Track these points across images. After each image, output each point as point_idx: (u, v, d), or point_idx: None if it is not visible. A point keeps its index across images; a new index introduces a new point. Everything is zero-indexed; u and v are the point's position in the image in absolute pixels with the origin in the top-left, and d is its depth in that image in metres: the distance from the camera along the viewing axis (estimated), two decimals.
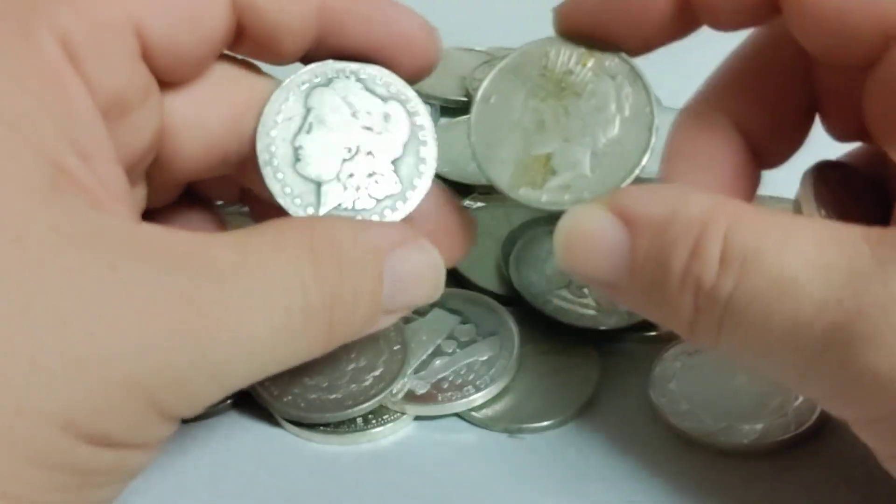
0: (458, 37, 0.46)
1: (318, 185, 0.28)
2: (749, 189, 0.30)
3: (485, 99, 0.29)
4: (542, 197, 0.28)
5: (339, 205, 0.28)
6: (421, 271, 0.28)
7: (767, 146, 0.30)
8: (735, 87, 0.30)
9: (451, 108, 0.45)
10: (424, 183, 0.29)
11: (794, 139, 0.30)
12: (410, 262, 0.27)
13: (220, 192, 0.33)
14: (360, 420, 0.31)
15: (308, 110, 0.29)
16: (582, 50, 0.29)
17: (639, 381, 0.32)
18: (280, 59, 0.29)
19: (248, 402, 0.32)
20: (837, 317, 0.22)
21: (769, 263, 0.23)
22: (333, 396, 0.31)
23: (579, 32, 0.29)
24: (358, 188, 0.28)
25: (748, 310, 0.23)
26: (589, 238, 0.26)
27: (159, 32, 0.26)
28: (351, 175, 0.28)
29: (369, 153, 0.29)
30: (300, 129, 0.28)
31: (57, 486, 0.22)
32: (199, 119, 0.28)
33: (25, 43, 0.24)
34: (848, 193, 0.29)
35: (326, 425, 0.31)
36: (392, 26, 0.29)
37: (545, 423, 0.31)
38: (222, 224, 0.33)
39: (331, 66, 0.29)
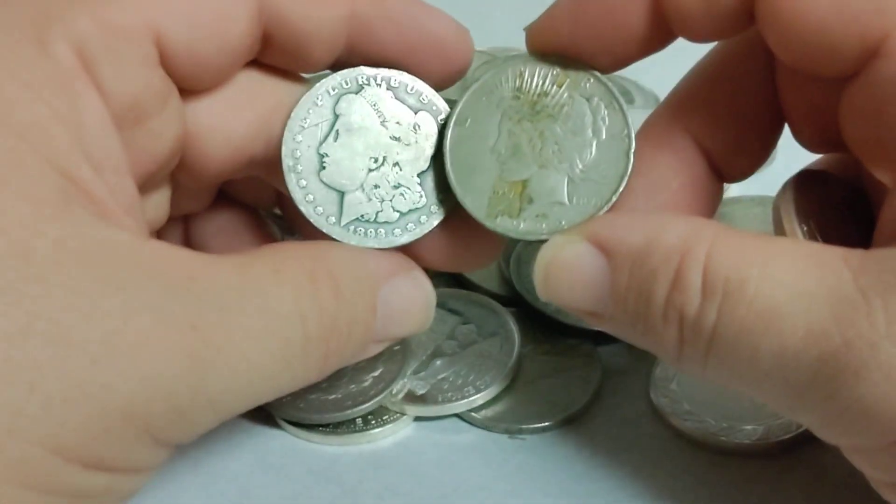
0: None
1: (342, 194, 0.28)
2: (709, 206, 0.30)
3: (460, 122, 0.28)
4: (520, 226, 0.27)
5: (362, 216, 0.28)
6: (412, 304, 0.28)
7: (730, 162, 0.29)
8: (695, 103, 0.29)
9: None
10: (451, 198, 0.28)
11: (758, 154, 0.30)
12: (403, 294, 0.27)
13: (256, 196, 0.33)
14: (359, 421, 0.31)
15: (336, 117, 0.28)
16: (557, 70, 0.28)
17: (640, 382, 0.32)
18: (309, 67, 0.28)
19: None
20: (824, 349, 0.22)
21: (752, 294, 0.23)
22: (333, 397, 0.31)
23: (552, 51, 0.28)
24: (382, 200, 0.28)
25: (734, 342, 0.23)
26: (568, 270, 0.26)
27: (179, 40, 0.25)
28: (376, 186, 0.28)
29: (396, 164, 0.28)
30: (327, 136, 0.28)
31: None
32: (223, 124, 0.28)
33: (40, 51, 0.23)
34: (829, 204, 0.28)
35: (326, 426, 0.31)
36: (423, 30, 0.28)
37: (546, 424, 0.31)
38: (261, 226, 0.33)
39: (362, 72, 0.28)
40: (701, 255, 0.23)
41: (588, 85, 0.28)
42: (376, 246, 0.28)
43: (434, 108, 0.28)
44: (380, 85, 0.28)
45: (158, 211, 0.29)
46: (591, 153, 0.27)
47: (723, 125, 0.29)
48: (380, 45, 0.28)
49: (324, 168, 0.28)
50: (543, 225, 0.27)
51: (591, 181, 0.27)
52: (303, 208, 0.28)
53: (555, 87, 0.28)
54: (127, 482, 0.23)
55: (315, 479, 0.30)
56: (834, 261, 0.23)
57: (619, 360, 0.33)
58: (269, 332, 0.24)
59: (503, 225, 0.27)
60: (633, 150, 0.27)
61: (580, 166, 0.27)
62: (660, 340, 0.24)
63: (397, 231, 0.28)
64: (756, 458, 0.30)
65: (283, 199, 0.32)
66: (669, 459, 0.30)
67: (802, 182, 0.28)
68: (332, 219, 0.28)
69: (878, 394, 0.22)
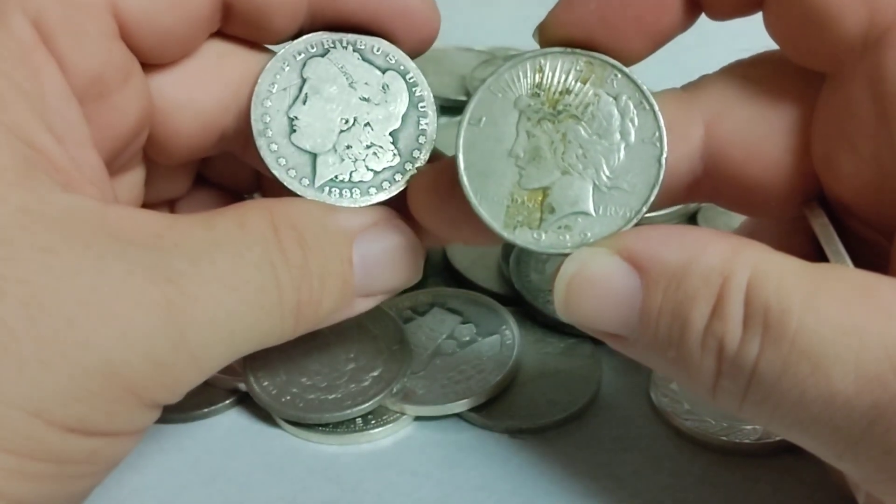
0: (458, 36, 0.46)
1: (314, 156, 0.28)
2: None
3: (473, 122, 0.26)
4: (542, 238, 0.25)
5: (336, 177, 0.28)
6: (395, 253, 0.27)
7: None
8: None
9: (451, 108, 0.45)
10: (424, 155, 0.28)
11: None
12: (382, 244, 0.27)
13: (235, 179, 0.33)
14: (359, 420, 0.31)
15: (304, 80, 0.28)
16: (581, 65, 0.26)
17: (640, 381, 0.32)
18: (272, 37, 0.28)
19: (248, 403, 0.32)
20: (879, 398, 0.20)
21: (797, 329, 0.21)
22: (332, 396, 0.31)
23: (576, 38, 0.26)
24: (356, 160, 0.28)
25: (778, 382, 0.21)
26: (595, 286, 0.24)
27: (137, 12, 0.25)
28: (348, 146, 0.28)
29: (367, 124, 0.28)
30: (295, 99, 0.28)
31: (30, 475, 0.21)
32: (189, 98, 0.28)
33: None
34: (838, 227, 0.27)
35: (326, 425, 0.31)
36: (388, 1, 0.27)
37: (546, 424, 0.31)
38: None
39: (327, 36, 0.28)
40: (743, 279, 0.21)
41: (615, 82, 0.26)
42: (351, 206, 0.27)
43: (402, 67, 0.28)
44: (346, 48, 0.28)
45: (133, 192, 0.29)
46: (618, 158, 0.25)
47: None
48: (342, 13, 0.28)
49: (294, 131, 0.28)
50: (567, 237, 0.25)
51: (619, 190, 0.25)
52: (276, 172, 0.27)
53: (578, 83, 0.26)
54: (112, 446, 0.23)
55: (315, 479, 0.30)
56: (885, 295, 0.21)
57: (619, 360, 0.33)
58: (243, 280, 0.24)
59: (523, 237, 0.25)
60: (664, 157, 0.25)
61: (607, 173, 0.25)
62: (694, 371, 0.23)
63: (372, 190, 0.28)
64: (756, 458, 0.30)
65: (263, 181, 0.33)
66: (670, 459, 0.30)
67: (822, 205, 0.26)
68: (306, 181, 0.27)
69: None
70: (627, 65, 0.26)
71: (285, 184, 0.27)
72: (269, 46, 0.29)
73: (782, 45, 0.25)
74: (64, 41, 0.24)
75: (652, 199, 0.25)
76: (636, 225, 0.25)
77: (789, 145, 0.26)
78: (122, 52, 0.26)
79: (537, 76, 0.26)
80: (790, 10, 0.24)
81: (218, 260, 0.24)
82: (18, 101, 0.23)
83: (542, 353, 0.33)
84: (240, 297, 0.24)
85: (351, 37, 0.28)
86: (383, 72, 0.28)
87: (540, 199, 0.26)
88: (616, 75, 0.26)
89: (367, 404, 0.31)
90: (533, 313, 0.34)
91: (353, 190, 0.28)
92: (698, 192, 0.27)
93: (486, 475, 0.30)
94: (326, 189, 0.27)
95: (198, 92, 0.28)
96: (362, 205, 0.27)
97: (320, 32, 0.28)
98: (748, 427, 0.30)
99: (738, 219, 0.38)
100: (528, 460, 0.30)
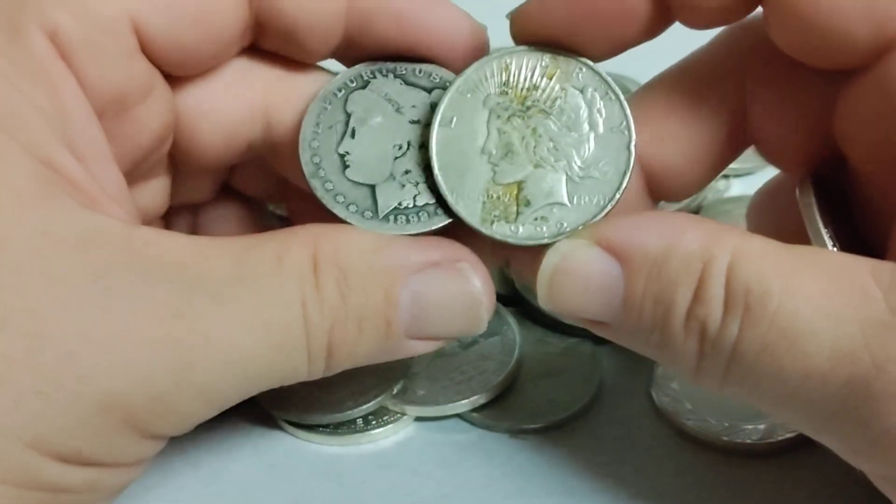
0: None
1: (372, 187, 0.26)
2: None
3: (445, 123, 0.26)
4: (519, 231, 0.26)
5: (400, 204, 0.26)
6: (450, 299, 0.25)
7: (669, 182, 0.28)
8: (649, 116, 0.27)
9: None
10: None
11: (700, 180, 0.28)
12: (439, 287, 0.25)
13: (260, 189, 0.32)
14: (360, 421, 0.31)
15: (348, 115, 0.27)
16: (546, 60, 0.26)
17: (641, 381, 0.32)
18: (306, 56, 0.28)
19: (248, 403, 0.32)
20: (853, 372, 0.21)
21: (774, 309, 0.21)
22: (333, 397, 0.31)
23: (542, 37, 0.26)
24: (417, 184, 0.26)
25: (757, 360, 0.22)
26: (577, 277, 0.24)
27: (160, 29, 0.25)
28: (406, 171, 0.26)
29: (422, 146, 0.27)
30: (343, 135, 0.27)
31: None
32: (215, 109, 0.27)
33: (15, 40, 0.23)
34: (845, 202, 0.27)
35: (326, 426, 0.31)
36: (426, 25, 0.27)
37: (547, 424, 0.31)
38: (262, 221, 0.32)
39: (366, 67, 0.27)
40: (723, 264, 0.22)
41: (580, 75, 0.26)
42: (419, 231, 0.26)
43: (448, 84, 0.27)
44: (386, 76, 0.27)
45: (157, 198, 0.29)
46: (589, 149, 0.26)
47: (672, 145, 0.27)
48: (381, 39, 0.27)
49: (347, 167, 0.27)
50: (544, 228, 0.26)
51: (592, 179, 0.26)
52: (336, 210, 0.26)
53: (544, 79, 0.26)
54: (112, 477, 0.23)
55: (316, 480, 0.30)
56: (862, 276, 0.21)
57: (620, 360, 0.33)
58: (265, 319, 0.23)
59: (500, 231, 0.26)
60: (633, 143, 0.26)
61: (578, 163, 0.26)
62: (677, 353, 0.23)
63: (440, 211, 0.26)
64: (758, 458, 0.30)
65: (290, 194, 0.32)
66: (671, 459, 0.30)
67: (819, 179, 0.27)
68: (369, 213, 0.26)
69: None
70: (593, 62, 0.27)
71: (349, 220, 0.26)
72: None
73: (788, 53, 0.25)
74: (83, 58, 0.24)
75: (624, 185, 0.26)
76: (611, 211, 0.26)
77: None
78: (142, 68, 0.25)
79: (504, 75, 0.27)
80: (793, 25, 0.24)
81: (242, 297, 0.23)
82: (36, 120, 0.23)
83: (543, 353, 0.33)
84: (258, 338, 0.23)
85: (390, 64, 0.27)
86: (429, 91, 0.27)
87: (515, 193, 0.26)
88: (581, 69, 0.26)
89: (367, 405, 0.31)
90: (533, 313, 0.34)
91: (420, 214, 0.26)
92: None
93: (488, 475, 0.30)
94: (392, 218, 0.26)
95: (223, 103, 0.27)
96: (433, 227, 0.26)
97: (358, 65, 0.28)
98: (749, 427, 0.30)
99: (740, 218, 0.38)
100: (529, 460, 0.30)
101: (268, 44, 0.27)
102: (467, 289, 0.25)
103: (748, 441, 0.30)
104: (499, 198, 0.26)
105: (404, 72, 0.27)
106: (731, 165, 0.40)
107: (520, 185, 0.26)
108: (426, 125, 0.27)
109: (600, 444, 0.30)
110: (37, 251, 0.21)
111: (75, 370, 0.21)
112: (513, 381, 0.32)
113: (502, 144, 0.26)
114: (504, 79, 0.27)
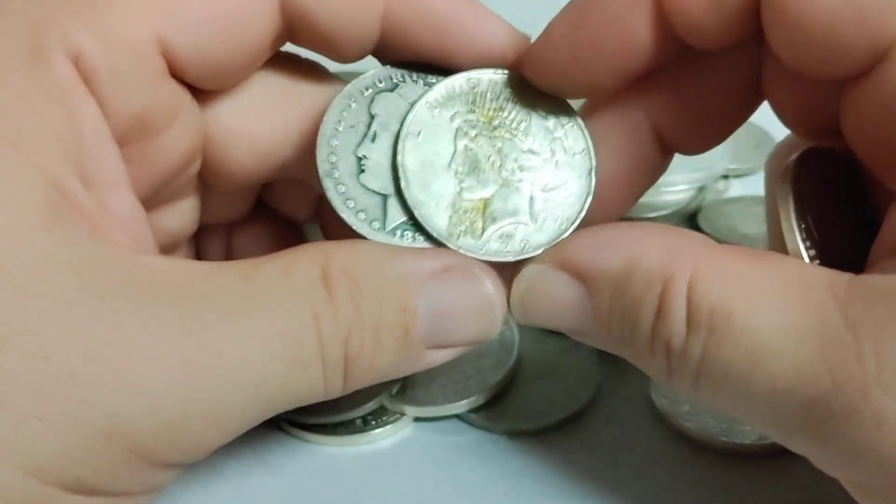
0: None
1: (385, 197, 0.26)
2: (648, 178, 0.29)
3: (412, 135, 0.26)
4: (484, 247, 0.26)
5: (408, 220, 0.26)
6: (466, 303, 0.25)
7: (683, 140, 0.28)
8: (658, 81, 0.27)
9: None
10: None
11: (716, 135, 0.28)
12: (453, 291, 0.25)
13: (296, 209, 0.32)
14: (359, 421, 0.31)
15: (372, 117, 0.26)
16: (513, 84, 0.27)
17: (640, 382, 0.32)
18: (339, 59, 0.27)
19: None
20: (813, 393, 0.21)
21: (739, 330, 0.22)
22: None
23: (554, 76, 0.26)
24: None
25: (723, 377, 0.22)
26: (545, 300, 0.25)
27: (189, 48, 0.24)
28: None
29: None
30: (364, 137, 0.26)
31: None
32: (245, 126, 0.27)
33: (36, 61, 0.23)
34: (832, 186, 0.27)
35: (325, 426, 0.31)
36: (463, 34, 0.26)
37: (545, 425, 0.31)
38: (299, 238, 0.32)
39: (396, 70, 0.27)
40: (683, 283, 0.22)
41: (543, 102, 0.27)
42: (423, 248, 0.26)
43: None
44: (416, 82, 0.27)
45: (185, 219, 0.29)
46: (551, 171, 0.27)
47: (684, 107, 0.27)
48: (416, 46, 0.27)
49: (363, 171, 0.26)
50: (508, 246, 0.26)
51: (554, 202, 0.26)
52: (344, 215, 0.26)
53: (510, 102, 0.27)
54: None
55: (315, 480, 0.30)
56: (820, 291, 0.22)
57: (618, 361, 0.33)
58: (277, 333, 0.22)
59: (466, 245, 0.26)
60: (594, 169, 0.27)
61: (542, 185, 0.27)
62: (647, 364, 0.24)
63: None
64: (756, 459, 0.30)
65: (323, 211, 0.31)
66: (669, 460, 0.30)
67: (803, 164, 0.27)
68: (377, 224, 0.26)
69: (868, 442, 0.21)
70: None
71: (354, 227, 0.25)
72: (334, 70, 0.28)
73: (792, 67, 0.25)
74: (106, 82, 0.23)
75: (586, 208, 0.27)
76: (574, 231, 0.26)
77: None
78: (169, 91, 0.25)
79: (472, 93, 0.27)
80: (792, 39, 0.24)
81: (251, 312, 0.22)
82: (49, 143, 0.22)
83: (541, 354, 0.33)
84: (270, 352, 0.22)
85: (422, 72, 0.27)
86: None
87: (481, 208, 0.26)
88: (542, 96, 0.27)
89: (366, 405, 0.31)
90: None
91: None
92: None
93: (486, 476, 0.30)
94: (398, 232, 0.26)
95: (255, 121, 0.27)
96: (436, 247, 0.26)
97: (388, 66, 0.27)
98: (748, 428, 0.30)
99: (740, 218, 0.38)
100: (527, 461, 0.30)
101: (303, 43, 0.27)
102: (483, 291, 0.25)
103: (746, 442, 0.30)
104: (466, 212, 0.26)
105: (434, 81, 0.27)
106: (731, 166, 0.40)
107: (486, 201, 0.26)
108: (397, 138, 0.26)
109: (598, 445, 0.30)
110: (41, 273, 0.21)
111: (77, 393, 0.20)
112: (511, 381, 0.32)
113: (469, 161, 0.26)
114: (472, 99, 0.27)
